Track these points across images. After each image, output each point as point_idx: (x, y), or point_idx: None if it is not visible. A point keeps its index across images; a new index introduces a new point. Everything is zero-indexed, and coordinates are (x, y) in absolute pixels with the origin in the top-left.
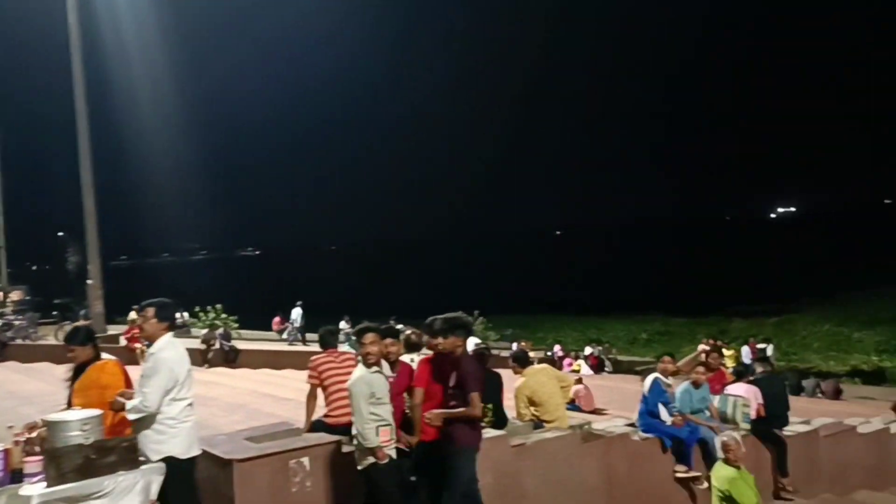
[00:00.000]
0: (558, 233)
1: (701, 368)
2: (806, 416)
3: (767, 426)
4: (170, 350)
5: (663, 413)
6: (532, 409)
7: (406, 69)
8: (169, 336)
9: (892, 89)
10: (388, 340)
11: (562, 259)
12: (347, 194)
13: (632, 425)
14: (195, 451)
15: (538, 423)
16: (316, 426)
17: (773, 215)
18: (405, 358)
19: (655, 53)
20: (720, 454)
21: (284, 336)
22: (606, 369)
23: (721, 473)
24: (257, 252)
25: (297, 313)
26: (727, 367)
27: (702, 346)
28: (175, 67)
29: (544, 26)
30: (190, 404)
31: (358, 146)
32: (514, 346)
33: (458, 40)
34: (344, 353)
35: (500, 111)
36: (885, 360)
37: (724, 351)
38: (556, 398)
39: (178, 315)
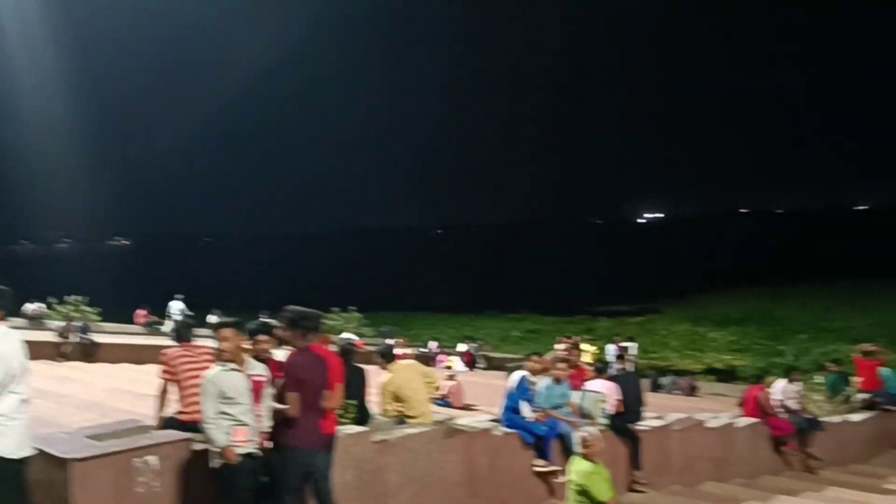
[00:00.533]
0: (439, 231)
1: (562, 365)
2: (662, 411)
3: (623, 421)
4: (2, 342)
5: (525, 409)
6: (397, 404)
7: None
8: (3, 327)
9: (747, 107)
10: (261, 337)
11: (442, 257)
12: (234, 182)
13: (495, 421)
14: (26, 451)
15: (402, 419)
16: (169, 423)
17: (640, 220)
18: (279, 354)
19: (534, 59)
20: (579, 449)
21: (164, 329)
22: (479, 366)
23: (578, 467)
24: (127, 242)
25: (176, 307)
26: (588, 365)
27: (559, 346)
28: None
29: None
30: (24, 400)
31: (245, 136)
32: (390, 342)
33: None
34: (201, 346)
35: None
36: (737, 359)
37: (585, 347)
38: (421, 394)
39: (32, 306)
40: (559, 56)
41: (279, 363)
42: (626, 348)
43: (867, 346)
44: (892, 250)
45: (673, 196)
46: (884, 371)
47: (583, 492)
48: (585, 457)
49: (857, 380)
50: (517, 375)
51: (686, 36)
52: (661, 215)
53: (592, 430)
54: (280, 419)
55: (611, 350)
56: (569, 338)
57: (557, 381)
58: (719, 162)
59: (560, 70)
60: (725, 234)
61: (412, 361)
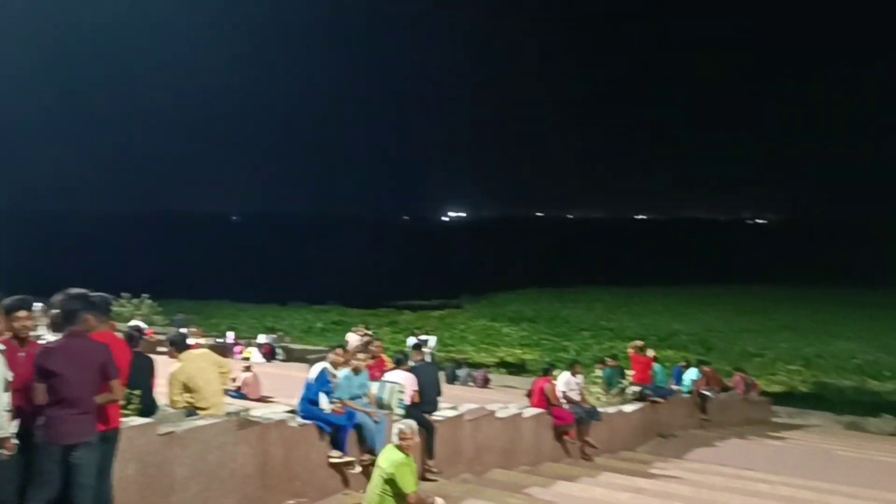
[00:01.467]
0: (234, 218)
1: (361, 355)
2: (456, 402)
3: (420, 411)
4: None
5: (324, 401)
6: (187, 395)
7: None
8: None
9: (547, 119)
10: (20, 314)
11: (245, 246)
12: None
13: (292, 412)
14: None
15: (192, 411)
16: None
17: (445, 218)
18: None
19: (352, 54)
20: (395, 440)
21: None
22: (279, 357)
23: (390, 457)
24: None
25: None
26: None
27: (351, 335)
28: None
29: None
30: None
31: (55, 111)
32: (183, 330)
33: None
34: None
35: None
36: (527, 353)
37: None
38: (213, 384)
39: None
40: (372, 55)
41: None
42: (425, 341)
43: (638, 343)
44: (663, 259)
45: (476, 197)
46: (655, 366)
47: (390, 480)
48: (400, 448)
49: (631, 374)
50: (318, 367)
51: (500, 43)
52: (464, 215)
53: (411, 423)
54: (31, 410)
55: (411, 342)
56: (366, 327)
57: (356, 371)
58: (520, 167)
59: (374, 68)
60: (523, 236)
61: (205, 351)
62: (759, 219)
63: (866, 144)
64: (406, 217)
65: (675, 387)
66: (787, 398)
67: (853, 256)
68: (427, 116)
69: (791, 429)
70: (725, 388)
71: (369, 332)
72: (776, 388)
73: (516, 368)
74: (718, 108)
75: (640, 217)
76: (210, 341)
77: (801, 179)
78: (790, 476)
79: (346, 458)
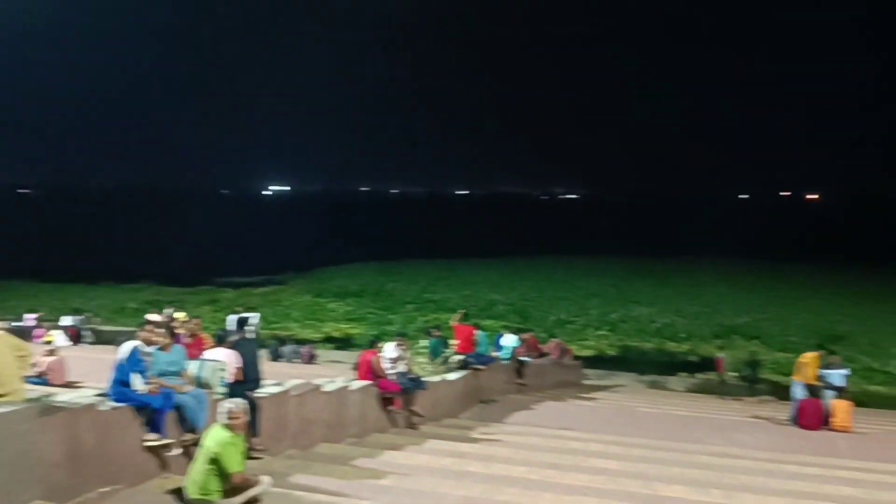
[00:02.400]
0: (25, 191)
1: (160, 331)
2: (281, 379)
3: (243, 389)
4: None
5: (137, 382)
6: None
7: None
8: None
9: (371, 96)
10: None
11: (39, 221)
12: None
13: (103, 395)
14: None
15: None
16: None
17: (267, 192)
18: None
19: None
20: (223, 419)
21: None
22: (86, 340)
23: (217, 436)
24: None
25: None
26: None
27: (151, 316)
28: None
29: None
30: None
31: None
32: None
33: None
34: None
35: None
36: (353, 328)
37: (178, 315)
38: (10, 369)
39: None
40: (202, 21)
41: None
42: (247, 318)
43: (460, 313)
44: (481, 233)
45: (299, 171)
46: (479, 334)
47: (215, 460)
48: (228, 427)
49: (454, 342)
50: (128, 346)
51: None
52: (287, 189)
53: (240, 401)
54: None
55: (232, 320)
56: (159, 312)
57: (163, 347)
58: (344, 141)
59: (202, 39)
60: (347, 211)
61: (1, 333)
62: (571, 194)
63: (666, 122)
64: (225, 191)
65: (495, 354)
66: (597, 361)
67: (650, 230)
68: (251, 88)
69: (601, 390)
70: (542, 354)
71: (170, 314)
72: (587, 353)
73: (343, 343)
74: (535, 91)
75: (460, 192)
76: (5, 325)
77: (607, 159)
78: (600, 433)
79: (164, 441)
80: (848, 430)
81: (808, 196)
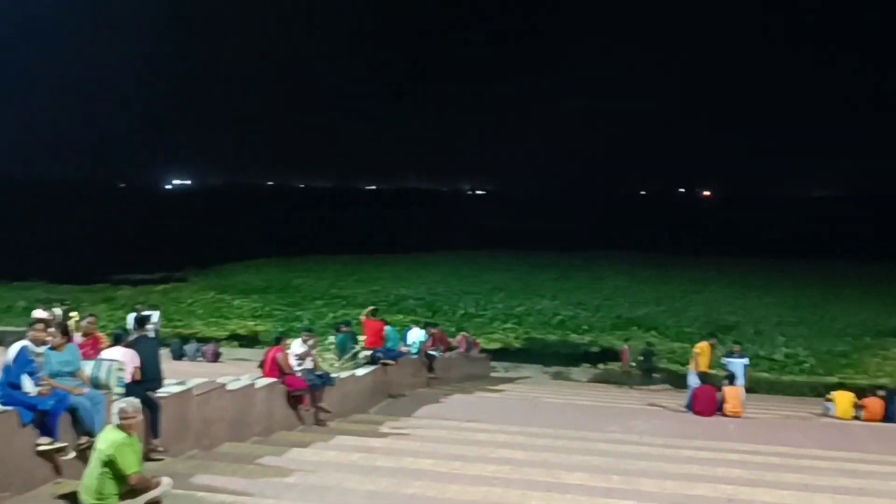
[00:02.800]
0: None
1: (52, 330)
2: (184, 378)
3: (142, 389)
4: None
5: (27, 384)
6: None
7: None
8: None
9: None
10: None
11: None
12: None
13: None
14: None
15: None
16: None
17: (168, 187)
18: None
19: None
20: (116, 419)
21: None
22: None
23: (110, 437)
24: None
25: None
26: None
27: (38, 313)
28: None
29: None
30: None
31: None
32: None
33: None
34: None
35: None
36: (259, 325)
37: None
38: None
39: None
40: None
41: None
42: (148, 316)
43: (370, 309)
44: (389, 228)
45: (201, 165)
46: (388, 329)
47: (109, 463)
48: (121, 428)
49: (363, 338)
50: (16, 346)
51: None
52: (189, 183)
53: (134, 401)
54: None
55: (130, 319)
56: (48, 309)
57: (55, 347)
58: (248, 135)
59: (84, 30)
60: (251, 205)
61: None
62: (479, 190)
63: (570, 119)
64: (122, 185)
65: (405, 349)
66: (504, 354)
67: (553, 225)
68: (149, 79)
69: (507, 382)
70: (450, 348)
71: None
72: (494, 345)
73: (248, 341)
74: (443, 85)
75: (368, 187)
76: None
77: (514, 155)
78: (506, 424)
79: (58, 445)
80: (738, 416)
81: (703, 193)
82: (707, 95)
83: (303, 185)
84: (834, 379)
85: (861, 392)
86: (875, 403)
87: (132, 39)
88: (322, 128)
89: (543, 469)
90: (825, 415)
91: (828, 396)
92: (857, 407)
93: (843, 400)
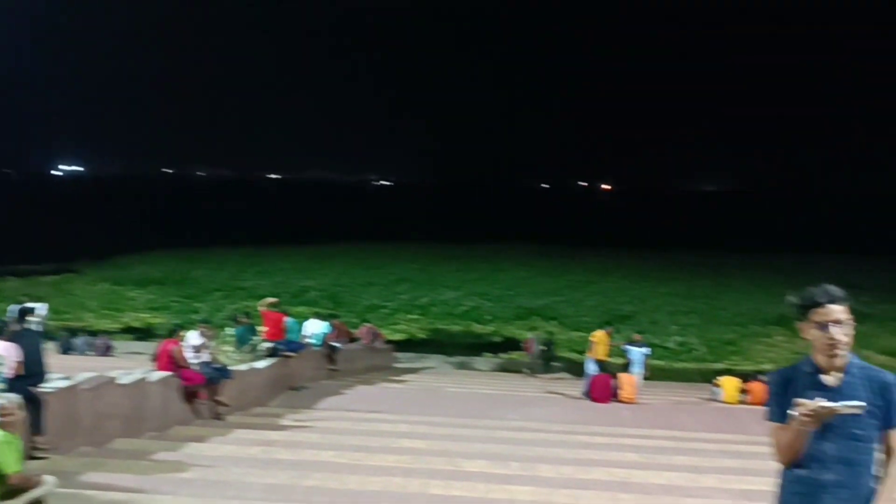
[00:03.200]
0: None
1: None
2: (72, 372)
3: (25, 384)
4: None
5: None
6: None
7: None
8: None
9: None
10: None
11: None
12: None
13: None
14: None
15: None
16: None
17: (57, 173)
18: None
19: None
20: None
21: None
22: None
23: None
24: None
25: None
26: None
27: None
28: None
29: None
30: None
31: None
32: None
33: None
34: None
35: None
36: (155, 317)
37: None
38: None
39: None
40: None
41: None
42: (32, 308)
43: (270, 300)
44: (291, 218)
45: (95, 151)
46: (289, 321)
47: None
48: (1, 425)
49: (263, 330)
50: None
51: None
52: (81, 169)
53: (13, 397)
54: None
55: (13, 310)
56: None
57: None
58: (145, 120)
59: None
60: (148, 194)
61: None
62: (384, 181)
63: (473, 114)
64: (8, 170)
65: (307, 340)
66: (408, 345)
67: (456, 216)
68: (38, 60)
69: (410, 372)
70: (353, 339)
71: None
72: (398, 337)
73: (143, 334)
74: (347, 75)
75: (271, 176)
76: None
77: (418, 147)
78: (408, 414)
79: None
80: (632, 402)
81: (603, 186)
82: (607, 92)
83: (202, 174)
84: (722, 365)
85: (746, 377)
86: (759, 388)
87: (22, 19)
88: (223, 115)
89: (444, 458)
90: (713, 399)
91: (715, 382)
92: (743, 391)
93: (729, 385)
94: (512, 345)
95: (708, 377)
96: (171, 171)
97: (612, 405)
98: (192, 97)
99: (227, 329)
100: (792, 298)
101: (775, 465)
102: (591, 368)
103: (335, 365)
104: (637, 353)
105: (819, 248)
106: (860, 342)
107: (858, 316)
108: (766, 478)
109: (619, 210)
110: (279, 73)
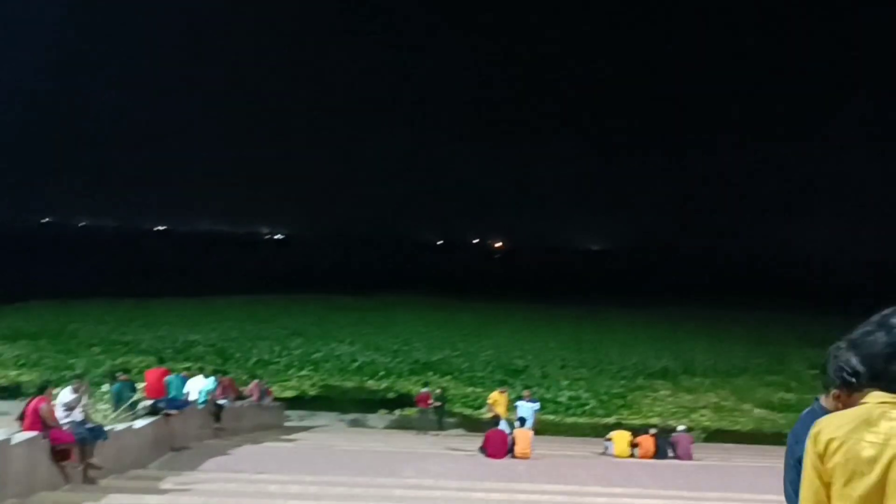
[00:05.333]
0: None
1: None
2: None
3: None
4: None
5: None
6: None
7: None
8: None
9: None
10: None
11: None
12: None
13: None
14: None
15: None
16: None
17: None
18: None
19: None
20: None
21: None
22: None
23: None
24: None
25: None
26: None
27: None
28: None
29: None
30: None
31: None
32: None
33: None
34: None
35: None
36: (24, 374)
37: None
38: None
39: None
40: None
41: None
42: None
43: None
44: (177, 271)
45: None
46: (171, 378)
47: None
48: None
49: (142, 386)
50: None
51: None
52: None
53: None
54: None
55: None
56: None
57: None
58: (20, 168)
59: None
60: (24, 244)
61: None
62: (276, 234)
63: (368, 166)
64: None
65: (191, 398)
66: (299, 402)
67: (350, 268)
68: None
69: (301, 430)
70: (241, 397)
71: None
72: (289, 393)
73: (9, 392)
74: (237, 125)
75: (157, 228)
76: None
77: (312, 198)
78: (299, 474)
79: None
80: (527, 457)
81: (495, 244)
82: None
83: (85, 224)
84: (612, 419)
85: (636, 431)
86: (647, 441)
87: None
88: (102, 163)
89: None
90: (605, 453)
91: (607, 436)
92: (633, 445)
93: (620, 440)
94: (407, 401)
95: (599, 431)
96: (50, 220)
97: (508, 460)
98: (75, 144)
99: (103, 387)
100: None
101: None
102: (503, 425)
103: (221, 424)
104: (527, 408)
105: (696, 303)
106: (738, 396)
107: (735, 370)
108: None
109: (510, 265)
110: (165, 123)
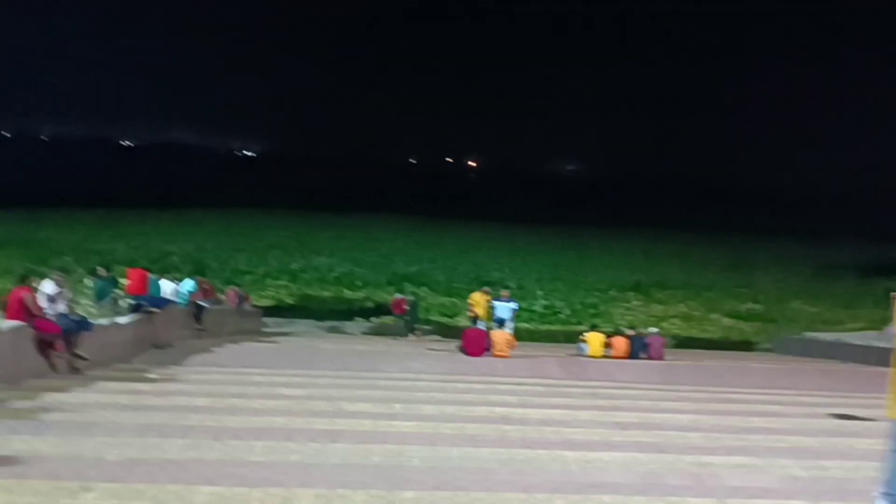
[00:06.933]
0: None
1: None
2: None
3: None
4: None
5: None
6: None
7: None
8: None
9: None
10: None
11: None
12: None
13: None
14: None
15: None
16: None
17: None
18: None
19: None
20: None
21: None
22: None
23: None
24: None
25: None
26: None
27: None
28: None
29: None
30: None
31: None
32: None
33: None
34: None
35: None
36: None
37: None
38: None
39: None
40: None
41: None
42: None
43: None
44: (151, 182)
45: None
46: (153, 276)
47: None
48: None
49: (125, 283)
50: None
51: None
52: None
53: None
54: None
55: None
56: None
57: None
58: None
59: None
60: None
61: None
62: (247, 150)
63: (346, 87)
64: None
65: (172, 297)
66: (276, 310)
67: (329, 187)
68: None
69: (281, 335)
70: (219, 302)
71: None
72: (266, 302)
73: None
74: (213, 39)
75: (127, 144)
76: None
77: (290, 116)
78: (284, 368)
79: None
80: (505, 356)
81: (469, 163)
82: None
83: (44, 138)
84: (585, 327)
85: (610, 334)
86: (620, 342)
87: None
88: (81, 69)
89: (327, 402)
90: (579, 354)
91: (581, 337)
92: (607, 346)
93: (594, 340)
94: (384, 310)
95: (572, 338)
96: (8, 133)
97: (486, 358)
98: (47, 51)
99: (85, 282)
100: None
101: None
102: (481, 325)
103: (201, 325)
104: (505, 308)
105: (672, 226)
106: (708, 307)
107: (707, 285)
108: (637, 413)
109: (487, 187)
110: (150, 30)
